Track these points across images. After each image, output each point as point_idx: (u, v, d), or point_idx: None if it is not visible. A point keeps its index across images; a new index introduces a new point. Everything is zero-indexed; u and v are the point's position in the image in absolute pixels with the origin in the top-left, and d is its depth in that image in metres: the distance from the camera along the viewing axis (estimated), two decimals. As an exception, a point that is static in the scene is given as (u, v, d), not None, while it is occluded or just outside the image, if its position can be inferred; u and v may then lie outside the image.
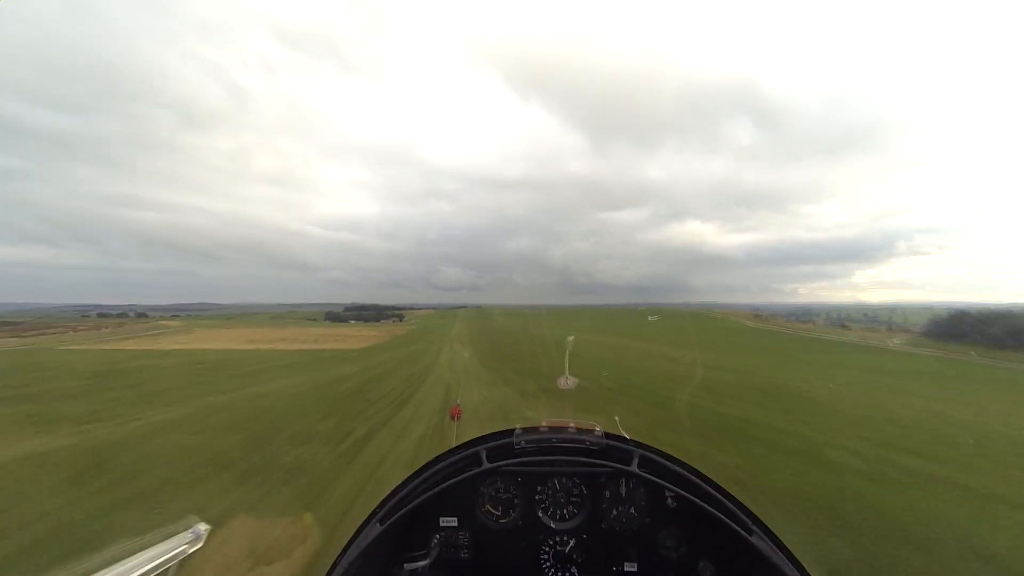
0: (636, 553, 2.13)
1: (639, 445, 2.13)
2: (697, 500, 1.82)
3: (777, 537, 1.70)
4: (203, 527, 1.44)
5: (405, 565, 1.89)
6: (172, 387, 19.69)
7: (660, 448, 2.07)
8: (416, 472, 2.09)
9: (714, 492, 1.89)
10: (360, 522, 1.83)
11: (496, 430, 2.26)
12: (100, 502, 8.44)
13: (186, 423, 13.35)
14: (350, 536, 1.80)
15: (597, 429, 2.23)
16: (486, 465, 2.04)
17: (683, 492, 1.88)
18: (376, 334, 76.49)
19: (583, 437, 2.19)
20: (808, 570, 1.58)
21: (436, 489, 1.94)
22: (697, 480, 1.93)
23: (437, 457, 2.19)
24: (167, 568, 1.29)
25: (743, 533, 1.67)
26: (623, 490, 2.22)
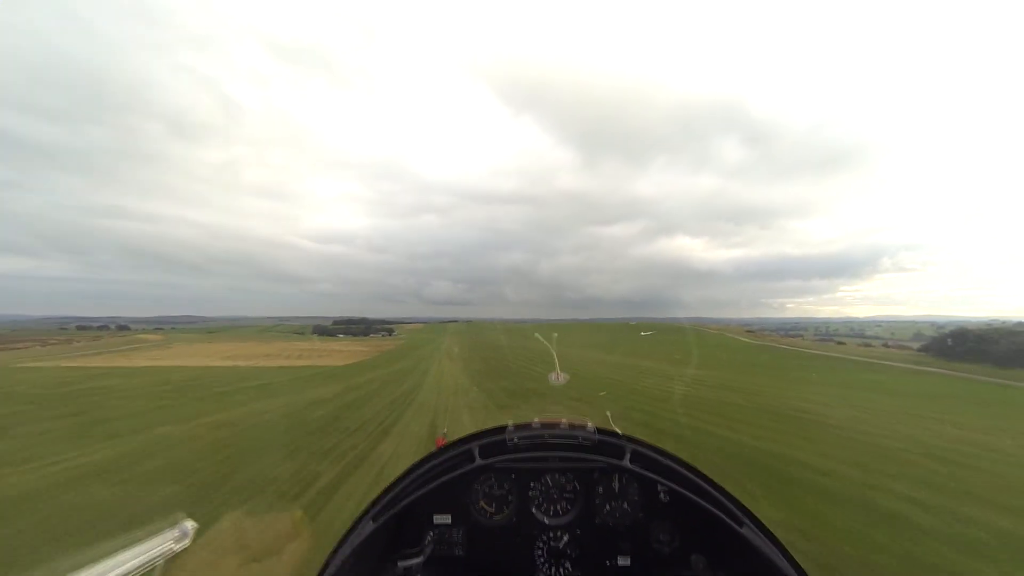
0: (629, 547, 2.15)
1: (631, 440, 2.15)
2: (689, 494, 1.87)
3: (768, 528, 1.72)
4: (190, 524, 1.40)
5: (399, 563, 1.85)
6: (121, 415, 17.42)
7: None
8: (409, 469, 2.11)
9: (706, 485, 1.92)
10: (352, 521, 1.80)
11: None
12: None
13: (114, 469, 10.95)
14: (342, 534, 1.80)
15: (589, 425, 2.22)
16: (479, 462, 2.06)
17: (675, 486, 1.93)
18: (363, 349, 74.23)
19: (575, 433, 2.20)
20: (798, 561, 1.59)
21: (429, 486, 1.97)
22: (689, 474, 1.97)
23: (430, 454, 2.18)
24: (154, 566, 1.25)
25: (734, 525, 1.72)
26: (616, 485, 2.25)
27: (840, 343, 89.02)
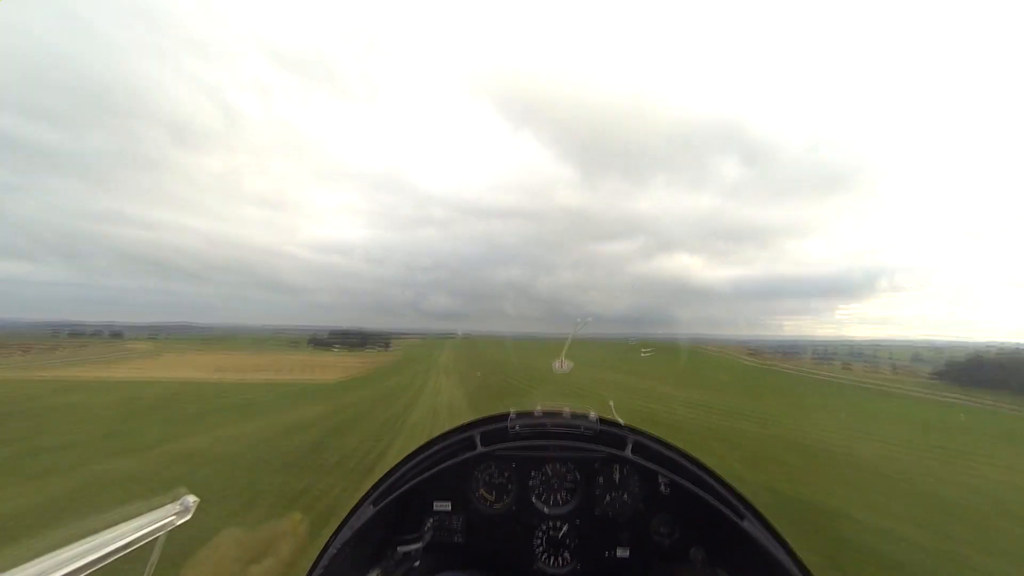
0: (628, 539, 2.14)
1: (633, 431, 2.15)
2: (690, 485, 1.85)
3: (768, 521, 1.71)
4: (192, 499, 1.41)
5: (398, 548, 1.89)
6: (68, 442, 15.22)
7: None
8: (410, 455, 2.11)
9: (707, 477, 1.90)
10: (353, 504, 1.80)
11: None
12: None
13: (11, 525, 9.16)
14: (343, 517, 1.80)
15: (592, 414, 2.23)
16: (480, 449, 2.07)
17: (676, 477, 1.92)
18: (358, 363, 72.04)
19: (577, 422, 2.21)
20: (798, 554, 1.58)
21: (430, 472, 1.97)
22: (690, 465, 1.96)
23: (431, 440, 2.19)
24: (156, 538, 1.27)
25: (735, 519, 1.71)
26: (617, 476, 2.23)
27: (846, 366, 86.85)
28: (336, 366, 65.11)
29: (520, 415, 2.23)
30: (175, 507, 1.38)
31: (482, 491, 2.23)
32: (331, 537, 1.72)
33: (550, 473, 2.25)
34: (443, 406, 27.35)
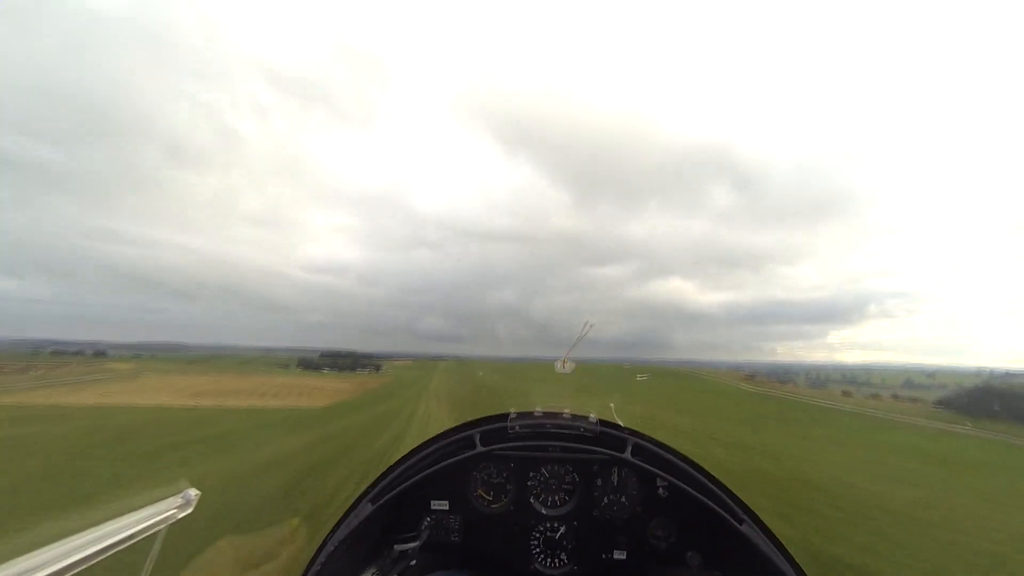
0: (626, 541, 2.14)
1: (633, 433, 2.14)
2: (689, 489, 1.86)
3: (767, 527, 1.71)
4: (194, 492, 1.42)
5: (395, 546, 1.87)
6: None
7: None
8: (409, 453, 2.10)
9: (706, 481, 1.91)
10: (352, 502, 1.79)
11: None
12: None
13: None
14: (341, 514, 1.80)
15: (592, 416, 2.22)
16: (479, 448, 2.07)
17: (675, 481, 1.93)
18: (347, 387, 69.87)
19: (577, 424, 2.21)
20: (797, 560, 1.57)
21: (428, 471, 1.97)
22: (690, 469, 1.97)
23: (430, 439, 2.17)
24: (157, 530, 1.28)
25: (733, 522, 1.72)
26: (615, 478, 2.23)
27: (846, 393, 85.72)
28: (324, 390, 62.84)
29: (520, 415, 2.22)
30: (177, 500, 1.38)
31: (480, 491, 2.24)
32: (328, 535, 1.72)
33: (549, 474, 2.26)
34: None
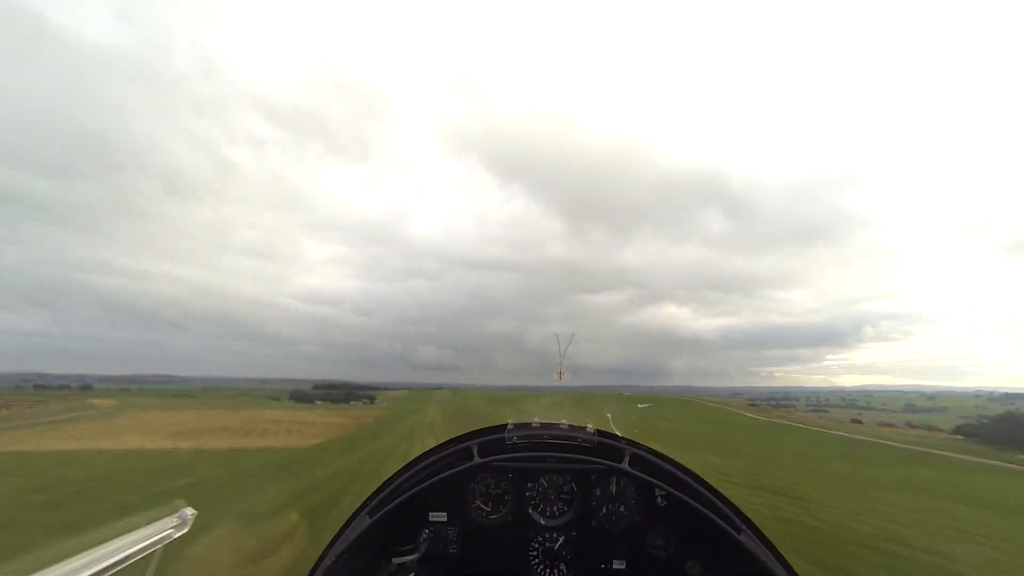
0: (625, 551, 2.26)
1: (631, 443, 2.23)
2: (687, 499, 1.93)
3: (766, 536, 1.76)
4: (190, 512, 1.42)
5: (393, 559, 1.99)
6: None
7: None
8: (407, 465, 2.17)
9: (704, 491, 1.96)
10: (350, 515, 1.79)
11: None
12: None
13: None
14: (339, 528, 1.84)
15: (589, 426, 2.33)
16: (477, 460, 2.15)
17: (673, 491, 1.99)
18: (339, 421, 66.66)
19: (575, 434, 2.30)
20: (795, 569, 1.61)
21: (427, 483, 2.06)
22: (688, 479, 2.04)
23: (428, 451, 2.28)
24: (153, 551, 1.23)
25: (732, 532, 1.78)
26: (613, 488, 2.36)
27: (856, 420, 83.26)
28: (314, 425, 59.74)
29: (518, 426, 2.33)
30: (172, 520, 1.43)
31: (479, 502, 2.37)
32: (326, 548, 1.80)
33: (547, 485, 2.39)
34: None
